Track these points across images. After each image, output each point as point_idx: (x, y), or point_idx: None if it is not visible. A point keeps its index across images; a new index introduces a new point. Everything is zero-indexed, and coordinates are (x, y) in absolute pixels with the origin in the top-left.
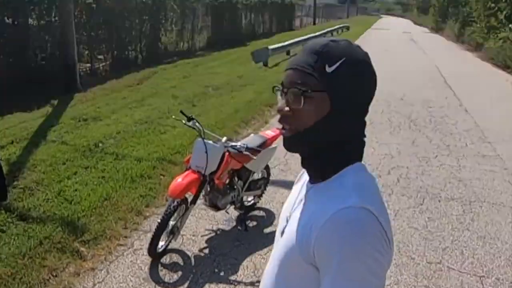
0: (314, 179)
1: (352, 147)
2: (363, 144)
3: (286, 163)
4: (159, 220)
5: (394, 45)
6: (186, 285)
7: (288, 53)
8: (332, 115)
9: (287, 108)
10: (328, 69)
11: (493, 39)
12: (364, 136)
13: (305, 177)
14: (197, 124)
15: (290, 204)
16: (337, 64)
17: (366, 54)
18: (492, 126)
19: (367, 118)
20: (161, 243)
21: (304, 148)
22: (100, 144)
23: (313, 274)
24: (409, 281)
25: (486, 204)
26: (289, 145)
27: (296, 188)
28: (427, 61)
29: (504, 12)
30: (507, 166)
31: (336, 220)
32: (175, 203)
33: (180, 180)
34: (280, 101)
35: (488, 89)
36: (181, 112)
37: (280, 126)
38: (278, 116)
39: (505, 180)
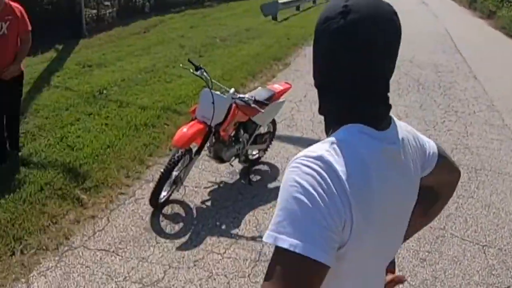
0: None
1: (351, 105)
2: (372, 106)
3: (292, 119)
4: (162, 170)
5: (405, 6)
6: (187, 236)
7: (298, 8)
8: (315, 72)
9: None
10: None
11: (506, 7)
12: (378, 100)
13: None
14: (205, 74)
15: None
16: (318, 22)
17: (343, 11)
18: (501, 95)
19: None
20: (163, 193)
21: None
22: (104, 91)
23: None
24: (411, 245)
25: (491, 173)
26: None
27: None
28: (438, 25)
29: None
30: None
31: (287, 168)
32: (179, 153)
33: (185, 130)
34: None
35: (498, 58)
36: (189, 61)
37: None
38: (286, 70)
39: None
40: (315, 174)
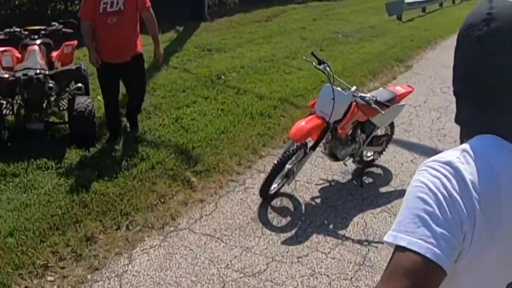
0: None
1: (489, 114)
2: (503, 118)
3: (411, 123)
4: (275, 161)
5: None
6: (293, 231)
7: (423, 9)
8: (454, 79)
9: None
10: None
11: None
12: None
13: None
14: (327, 68)
15: None
16: (461, 28)
17: (487, 18)
18: None
19: None
20: (274, 185)
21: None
22: (223, 76)
23: None
24: None
25: None
26: None
27: None
28: None
29: None
30: None
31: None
32: (295, 146)
33: (303, 123)
34: None
35: None
36: (313, 54)
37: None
38: (407, 73)
39: None
40: (442, 177)
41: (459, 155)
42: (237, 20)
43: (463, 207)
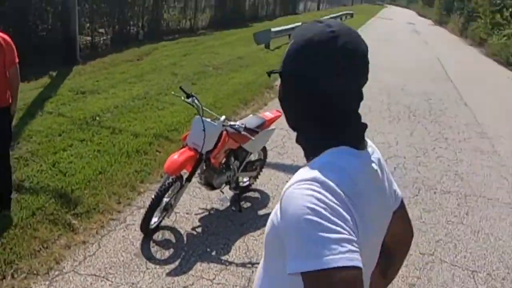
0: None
1: (332, 130)
2: (352, 128)
3: (283, 146)
4: (153, 196)
5: (397, 36)
6: (177, 262)
7: (290, 36)
8: (292, 96)
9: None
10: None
11: (497, 35)
12: (356, 122)
13: None
14: (196, 101)
15: None
16: (290, 45)
17: (317, 33)
18: (492, 122)
19: (366, 106)
20: (154, 220)
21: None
22: (97, 118)
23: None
24: (400, 271)
25: (481, 199)
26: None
27: None
28: (430, 54)
29: (510, 9)
30: (504, 163)
31: (283, 197)
32: (170, 179)
33: (176, 156)
34: None
35: (489, 85)
36: (181, 88)
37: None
38: (277, 99)
39: (502, 177)
40: (315, 193)
41: (318, 170)
42: (109, 61)
43: (342, 211)
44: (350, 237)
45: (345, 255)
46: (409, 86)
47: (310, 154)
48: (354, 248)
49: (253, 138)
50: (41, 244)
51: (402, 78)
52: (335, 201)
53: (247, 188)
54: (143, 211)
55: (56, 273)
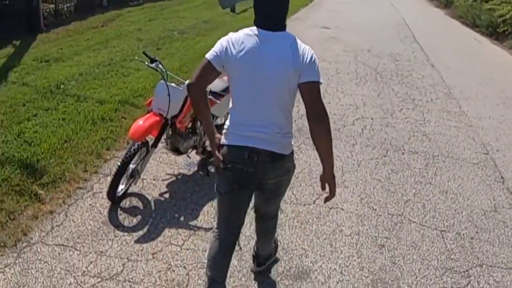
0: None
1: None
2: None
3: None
4: (119, 163)
5: None
6: (145, 229)
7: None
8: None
9: None
10: None
11: None
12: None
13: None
14: (160, 66)
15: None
16: None
17: None
18: (459, 83)
19: (333, 68)
20: (121, 187)
21: None
22: (62, 86)
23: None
24: (370, 232)
25: (449, 159)
26: None
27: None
28: (396, 15)
29: None
30: (471, 123)
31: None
32: (136, 146)
33: (141, 122)
34: None
35: (456, 46)
36: (144, 53)
37: None
38: None
39: (469, 137)
40: (226, 37)
41: (232, 33)
42: (73, 28)
43: (225, 46)
44: (218, 52)
45: (209, 54)
46: (375, 47)
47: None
48: (213, 53)
49: (219, 101)
50: (7, 215)
51: (368, 40)
52: (226, 41)
53: None
54: (109, 178)
55: (24, 244)
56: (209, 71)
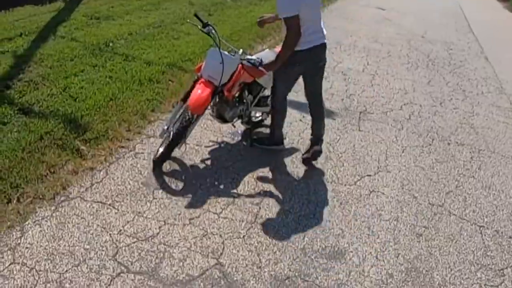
0: None
1: None
2: None
3: (298, 83)
4: (175, 130)
5: None
6: (184, 194)
7: None
8: None
9: None
10: None
11: None
12: None
13: None
14: (213, 31)
15: None
16: None
17: None
18: (511, 78)
19: (385, 50)
20: (161, 150)
21: None
22: (111, 44)
23: None
24: (409, 219)
25: (495, 155)
26: None
27: None
28: (453, 3)
29: None
30: None
31: None
32: (189, 113)
33: (199, 92)
34: None
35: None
36: (196, 15)
37: None
38: None
39: None
40: None
41: None
42: None
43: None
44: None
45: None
46: (430, 34)
47: None
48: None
49: (268, 73)
50: (48, 169)
51: (423, 25)
52: None
53: (259, 124)
54: (152, 140)
55: (62, 198)
56: (298, 20)
